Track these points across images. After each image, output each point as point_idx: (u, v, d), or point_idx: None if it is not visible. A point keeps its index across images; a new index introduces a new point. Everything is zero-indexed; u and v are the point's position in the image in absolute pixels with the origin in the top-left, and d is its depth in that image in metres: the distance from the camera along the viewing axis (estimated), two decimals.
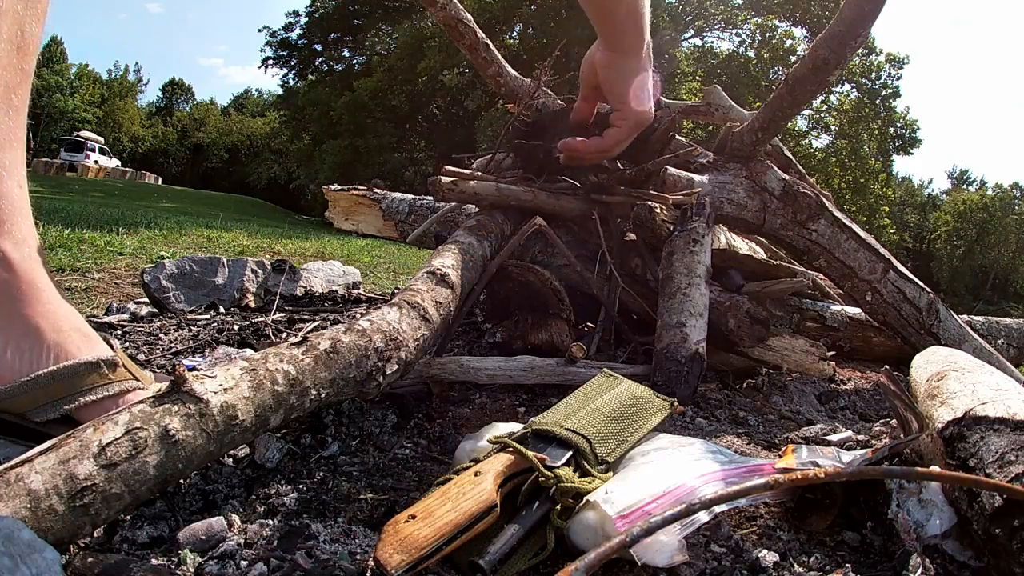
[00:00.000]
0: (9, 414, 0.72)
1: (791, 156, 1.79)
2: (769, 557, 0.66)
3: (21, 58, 0.74)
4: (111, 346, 0.80)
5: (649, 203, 1.52)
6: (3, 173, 0.73)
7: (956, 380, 0.80)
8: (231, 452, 0.82)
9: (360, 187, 2.42)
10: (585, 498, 0.66)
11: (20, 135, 0.75)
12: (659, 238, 1.53)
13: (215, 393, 0.67)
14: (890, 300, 1.36)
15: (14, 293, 0.73)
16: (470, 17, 1.76)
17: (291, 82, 29.01)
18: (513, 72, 1.88)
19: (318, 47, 27.90)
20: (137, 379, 0.79)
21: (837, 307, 1.70)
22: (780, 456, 0.81)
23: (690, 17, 20.13)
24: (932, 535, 0.67)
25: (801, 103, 1.34)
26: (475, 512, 0.60)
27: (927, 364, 0.91)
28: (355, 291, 2.29)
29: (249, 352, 1.36)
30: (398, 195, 2.34)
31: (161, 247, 3.81)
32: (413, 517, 0.59)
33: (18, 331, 0.73)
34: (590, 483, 0.68)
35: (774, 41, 18.50)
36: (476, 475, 0.65)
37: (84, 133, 31.05)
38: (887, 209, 19.94)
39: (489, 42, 1.81)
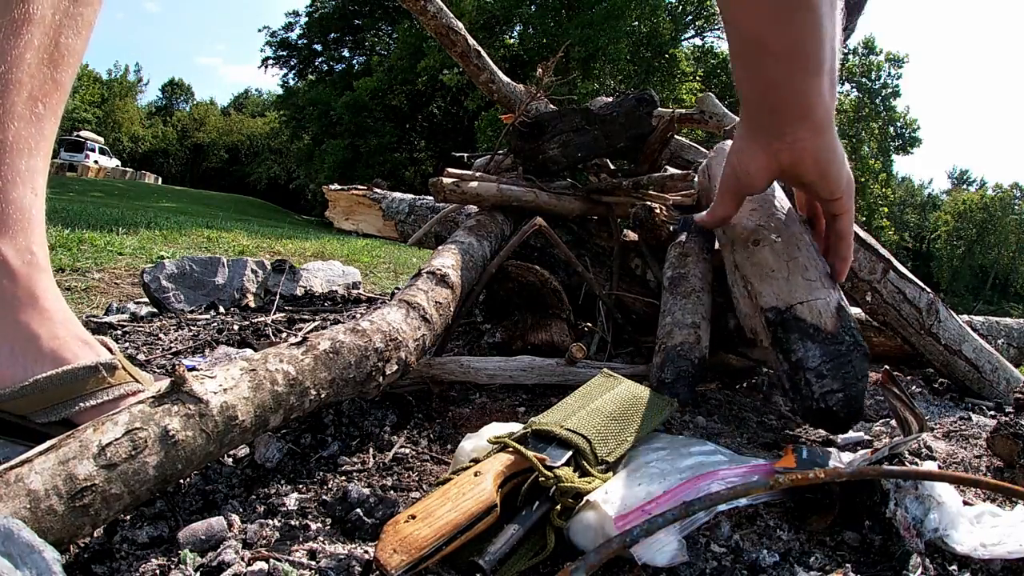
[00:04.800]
0: (10, 415, 0.73)
1: None
2: (769, 557, 0.66)
3: (54, 68, 0.74)
4: (110, 350, 0.80)
5: (649, 203, 1.53)
6: (17, 178, 0.73)
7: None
8: (231, 452, 0.82)
9: (360, 187, 2.42)
10: (585, 498, 0.66)
11: (43, 144, 0.75)
12: (659, 238, 1.53)
13: (215, 393, 0.67)
14: (890, 300, 1.36)
15: (12, 301, 0.73)
16: (461, 25, 1.76)
17: (291, 82, 29.02)
18: (506, 79, 1.88)
19: (318, 47, 27.92)
20: (137, 381, 0.79)
21: None
22: (780, 456, 0.81)
23: (690, 17, 20.13)
24: (931, 529, 0.68)
25: None
26: (475, 512, 0.60)
27: None
28: (355, 291, 2.29)
29: (249, 352, 1.36)
30: (398, 195, 2.34)
31: (161, 247, 3.81)
32: (413, 517, 0.59)
33: (15, 338, 0.72)
34: (590, 483, 0.68)
35: None
36: (476, 475, 0.65)
37: (84, 133, 31.05)
38: (887, 210, 19.94)
39: (481, 49, 1.81)
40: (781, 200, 1.15)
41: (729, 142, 1.25)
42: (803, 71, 0.73)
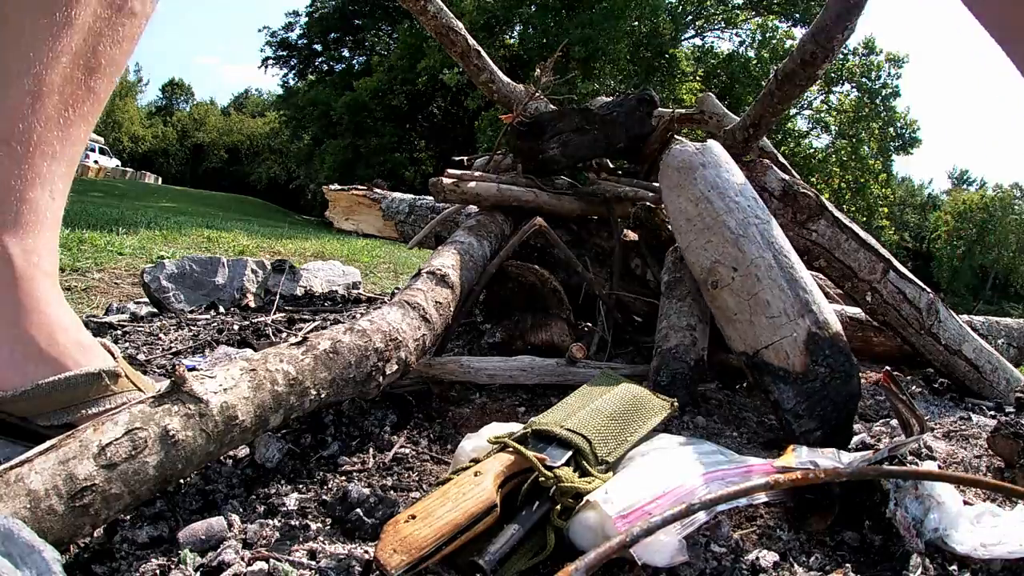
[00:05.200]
0: (13, 416, 0.72)
1: (777, 156, 1.79)
2: (769, 557, 0.66)
3: (89, 75, 0.73)
4: (112, 355, 0.79)
5: (649, 203, 1.53)
6: (37, 180, 0.72)
7: None
8: (231, 452, 0.82)
9: (360, 187, 2.42)
10: (585, 498, 0.66)
11: (68, 150, 0.75)
12: (659, 238, 1.53)
13: (215, 393, 0.67)
14: (890, 300, 1.36)
15: (13, 303, 0.72)
16: (461, 25, 1.76)
17: (291, 82, 29.02)
18: (505, 79, 1.88)
19: (318, 47, 27.91)
20: (140, 389, 0.79)
21: (837, 307, 1.70)
22: (780, 455, 0.81)
23: (690, 17, 20.13)
24: (931, 529, 0.68)
25: (790, 98, 1.35)
26: (475, 512, 0.60)
27: None
28: (355, 291, 2.29)
29: (249, 352, 1.36)
30: (398, 195, 2.34)
31: (161, 247, 3.81)
32: (413, 517, 0.59)
33: (12, 341, 0.72)
34: (590, 483, 0.68)
35: (774, 41, 18.49)
36: (476, 475, 0.65)
37: None
38: (887, 210, 19.93)
39: (481, 49, 1.81)
40: (735, 215, 1.07)
41: (678, 148, 1.19)
42: None
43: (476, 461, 0.70)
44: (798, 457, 0.78)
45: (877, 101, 19.42)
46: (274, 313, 1.76)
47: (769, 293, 0.99)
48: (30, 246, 0.73)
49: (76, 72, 0.72)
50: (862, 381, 1.51)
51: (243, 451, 0.84)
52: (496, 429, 0.80)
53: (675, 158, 1.17)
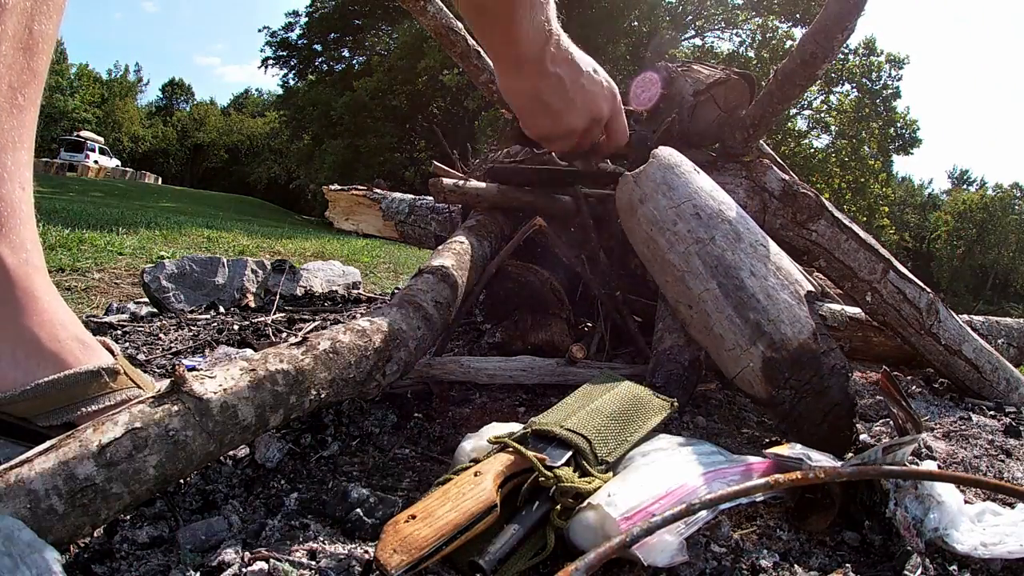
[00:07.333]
0: (12, 417, 0.72)
1: (775, 157, 1.79)
2: (769, 557, 0.66)
3: (29, 57, 0.72)
4: (112, 352, 0.79)
5: None
6: (4, 174, 0.71)
7: None
8: (231, 452, 0.82)
9: (360, 187, 2.42)
10: (588, 500, 0.66)
11: (26, 136, 0.73)
12: None
13: (215, 393, 0.67)
14: (890, 300, 1.36)
15: (10, 302, 0.72)
16: (461, 25, 1.76)
17: (291, 82, 29.05)
18: None
19: (318, 47, 27.95)
20: (139, 386, 0.79)
21: (837, 307, 1.70)
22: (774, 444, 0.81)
23: (690, 17, 20.15)
24: (931, 529, 0.68)
25: (791, 98, 1.35)
26: (475, 512, 0.60)
27: None
28: (355, 291, 2.30)
29: (249, 352, 1.36)
30: (398, 195, 2.34)
31: (161, 247, 3.81)
32: (413, 517, 0.59)
33: (15, 340, 0.72)
34: (590, 483, 0.68)
35: (774, 41, 18.48)
36: (476, 475, 0.65)
37: (84, 133, 31.00)
38: (887, 209, 19.91)
39: (480, 49, 1.81)
40: (676, 249, 1.04)
41: (619, 188, 1.17)
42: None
43: (476, 461, 0.70)
44: (791, 448, 0.78)
45: (877, 101, 19.42)
46: (274, 313, 1.76)
47: (720, 326, 0.96)
48: (16, 243, 0.72)
49: (17, 56, 0.71)
50: (860, 381, 1.51)
51: (243, 451, 0.84)
52: (496, 429, 0.80)
53: (619, 200, 1.14)
